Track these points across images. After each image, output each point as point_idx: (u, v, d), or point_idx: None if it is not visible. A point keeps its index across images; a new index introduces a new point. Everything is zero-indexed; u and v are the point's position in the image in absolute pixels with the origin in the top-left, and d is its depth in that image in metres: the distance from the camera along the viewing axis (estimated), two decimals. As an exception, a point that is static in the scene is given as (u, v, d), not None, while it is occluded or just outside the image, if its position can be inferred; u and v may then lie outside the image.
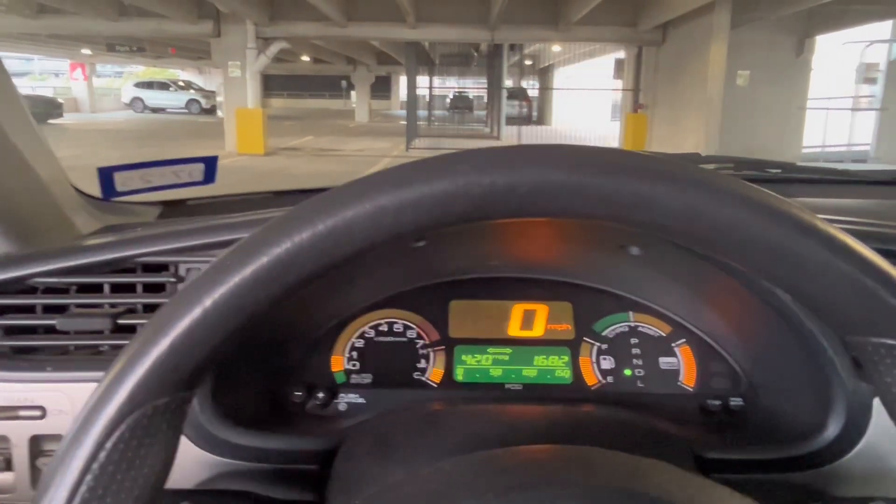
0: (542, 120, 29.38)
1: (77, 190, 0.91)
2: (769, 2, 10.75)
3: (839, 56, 16.09)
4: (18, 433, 0.64)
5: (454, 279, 0.80)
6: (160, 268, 0.69)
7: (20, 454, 0.64)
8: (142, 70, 33.44)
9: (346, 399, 0.74)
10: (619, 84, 29.90)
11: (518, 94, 23.59)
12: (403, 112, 18.78)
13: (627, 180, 0.34)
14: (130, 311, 0.68)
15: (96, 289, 0.69)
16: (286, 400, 0.73)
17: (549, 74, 30.85)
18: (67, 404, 0.64)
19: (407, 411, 0.64)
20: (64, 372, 0.64)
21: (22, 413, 0.63)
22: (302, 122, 25.29)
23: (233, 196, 1.16)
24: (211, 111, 27.92)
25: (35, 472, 0.65)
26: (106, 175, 0.93)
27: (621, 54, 23.68)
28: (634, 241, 0.74)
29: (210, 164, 1.03)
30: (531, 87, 29.35)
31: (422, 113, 24.17)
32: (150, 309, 0.68)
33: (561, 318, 0.79)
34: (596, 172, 0.34)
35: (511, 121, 20.26)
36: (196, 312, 0.34)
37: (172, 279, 0.69)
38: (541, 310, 0.79)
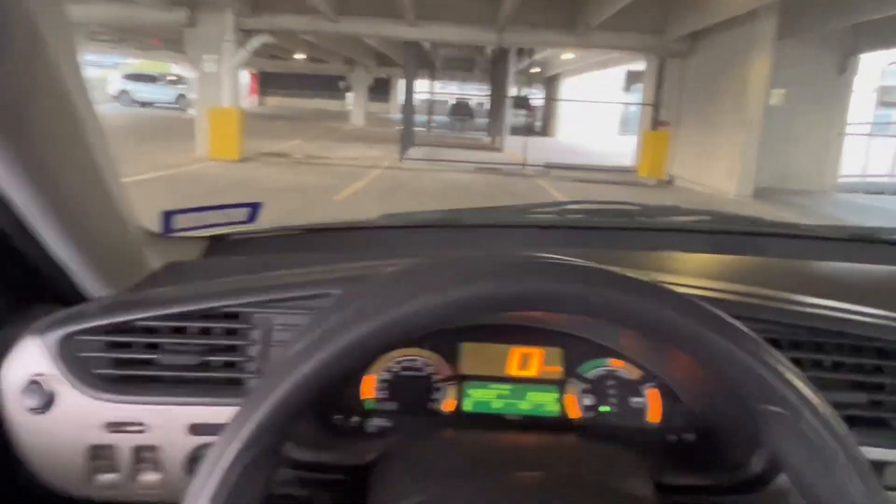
0: (545, 131, 28.10)
1: (142, 226, 1.00)
2: (820, 11, 9.34)
3: (878, 77, 14.76)
4: (124, 443, 0.80)
5: (466, 325, 0.89)
6: (236, 315, 0.83)
7: (124, 460, 0.80)
8: (139, 62, 32.01)
9: (375, 422, 0.85)
10: (632, 97, 28.97)
11: (523, 103, 22.24)
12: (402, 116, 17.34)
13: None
14: (212, 349, 0.83)
15: (184, 329, 0.83)
16: (328, 422, 0.84)
17: (554, 84, 29.59)
18: (162, 422, 0.79)
19: (428, 437, 0.77)
20: (160, 397, 0.80)
21: (128, 427, 0.79)
22: (294, 124, 24.04)
23: (270, 232, 1.27)
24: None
25: (135, 474, 0.81)
26: (167, 216, 1.09)
27: (635, 66, 22.69)
28: None
29: (255, 207, 1.19)
30: (537, 96, 28.04)
31: (421, 118, 23.31)
32: (227, 349, 0.83)
33: (553, 360, 0.88)
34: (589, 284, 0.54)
35: (514, 131, 18.88)
36: (306, 370, 0.52)
37: (246, 325, 0.83)
38: (536, 353, 0.88)
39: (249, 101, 37.52)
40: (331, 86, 36.05)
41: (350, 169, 11.88)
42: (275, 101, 38.58)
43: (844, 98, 11.75)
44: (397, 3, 10.69)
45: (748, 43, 9.73)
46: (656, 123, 13.20)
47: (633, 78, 28.79)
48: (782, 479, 0.68)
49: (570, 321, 0.87)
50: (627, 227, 1.38)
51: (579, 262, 0.56)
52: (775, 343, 0.68)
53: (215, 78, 11.72)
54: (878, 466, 0.79)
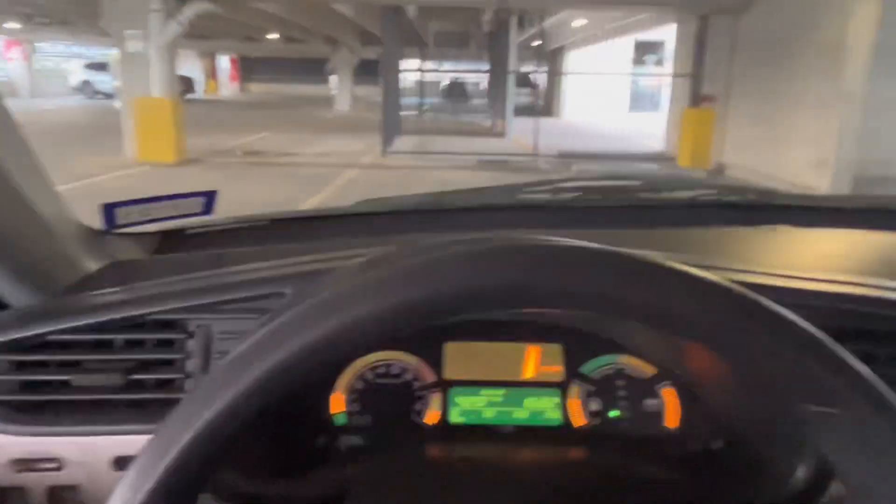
0: (549, 111, 25.68)
1: (79, 223, 0.89)
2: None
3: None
4: (37, 484, 0.68)
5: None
6: (170, 323, 0.72)
7: None
8: (113, 52, 30.11)
9: (347, 441, 0.75)
10: (645, 70, 26.80)
11: (527, 80, 19.82)
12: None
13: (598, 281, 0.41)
14: (142, 365, 0.71)
15: (108, 343, 0.71)
16: (287, 444, 0.73)
17: (558, 59, 27.13)
18: (82, 456, 0.67)
19: (409, 456, 0.69)
20: (79, 426, 0.68)
21: (40, 465, 0.67)
22: (271, 112, 21.85)
23: (230, 224, 1.15)
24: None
25: None
26: (108, 209, 0.95)
27: (651, 34, 20.50)
28: None
29: (209, 197, 1.05)
30: (542, 71, 25.69)
31: (412, 101, 21.12)
32: (160, 363, 0.71)
33: (552, 359, 0.80)
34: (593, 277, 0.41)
35: (517, 111, 16.43)
36: (227, 399, 0.41)
37: (182, 335, 0.71)
38: (533, 351, 0.80)
39: (230, 88, 36.14)
40: (315, 70, 34.80)
41: (319, 170, 9.40)
42: (257, 88, 37.91)
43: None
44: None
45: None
46: (699, 99, 10.66)
47: (643, 49, 26.86)
48: (834, 491, 0.59)
49: (569, 313, 0.75)
50: (629, 204, 1.24)
51: (564, 242, 0.45)
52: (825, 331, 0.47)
53: (142, 59, 9.19)
54: None
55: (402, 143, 12.33)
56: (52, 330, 0.69)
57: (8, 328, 0.69)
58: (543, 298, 0.42)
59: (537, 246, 0.44)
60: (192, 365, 0.70)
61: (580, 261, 0.42)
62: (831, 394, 0.42)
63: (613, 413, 0.78)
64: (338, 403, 0.77)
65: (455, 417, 0.78)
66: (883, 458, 0.41)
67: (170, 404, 0.67)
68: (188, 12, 9.14)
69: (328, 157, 10.83)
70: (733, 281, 0.46)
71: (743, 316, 0.42)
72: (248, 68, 37.18)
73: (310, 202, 7.10)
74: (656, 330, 0.44)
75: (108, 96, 24.92)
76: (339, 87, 26.72)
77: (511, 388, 0.79)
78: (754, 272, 0.73)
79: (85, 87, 26.98)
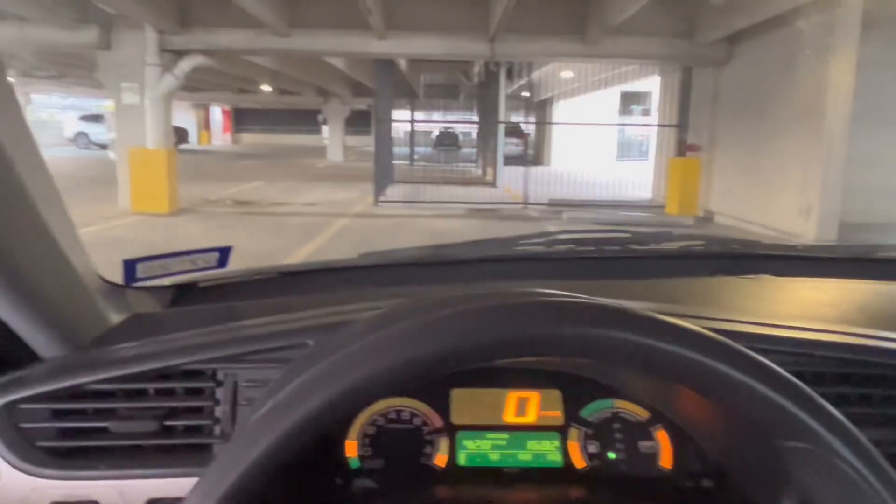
0: (538, 160, 25.98)
1: (101, 277, 0.92)
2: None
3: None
4: None
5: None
6: (199, 373, 0.75)
7: None
8: (107, 103, 30.37)
9: (361, 484, 0.78)
10: (630, 120, 27.26)
11: (516, 130, 20.06)
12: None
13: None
14: (173, 412, 0.74)
15: (141, 391, 0.75)
16: (304, 487, 0.74)
17: (546, 109, 27.56)
18: (118, 498, 0.70)
19: (420, 497, 0.73)
20: (115, 470, 0.71)
21: None
22: (263, 162, 21.99)
23: (241, 277, 1.20)
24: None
25: None
26: (129, 265, 1.00)
27: (636, 85, 20.91)
28: None
29: (224, 252, 1.11)
30: (531, 121, 26.04)
31: (403, 151, 21.29)
32: (190, 412, 0.74)
33: (551, 404, 0.82)
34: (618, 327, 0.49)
35: (508, 161, 16.62)
36: (261, 449, 0.46)
37: (211, 383, 0.74)
38: (533, 397, 0.82)
39: (223, 139, 36.46)
40: (307, 120, 35.21)
41: (310, 219, 9.45)
42: (249, 139, 38.03)
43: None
44: (363, 9, 8.35)
45: (819, 39, 7.42)
46: (685, 147, 10.87)
47: (629, 100, 27.42)
48: None
49: (567, 361, 0.80)
50: (620, 256, 1.31)
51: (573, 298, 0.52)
52: (798, 376, 0.53)
53: (137, 111, 9.31)
54: None
55: (394, 191, 12.44)
56: (91, 381, 0.72)
57: (47, 379, 0.72)
58: (569, 348, 0.48)
59: (564, 302, 0.50)
60: (220, 411, 0.74)
61: (601, 316, 0.49)
62: (801, 431, 0.47)
63: (611, 455, 0.80)
64: (351, 448, 0.80)
65: (463, 460, 0.81)
66: (854, 489, 0.46)
67: (200, 448, 0.72)
68: (184, 66, 9.31)
69: (320, 207, 10.90)
70: (717, 330, 0.52)
71: (719, 358, 0.48)
72: (240, 119, 37.53)
73: (302, 251, 7.12)
74: (650, 375, 0.50)
75: (103, 147, 25.02)
76: (330, 136, 26.93)
77: (514, 431, 0.81)
78: (737, 321, 0.78)
79: (79, 139, 27.12)
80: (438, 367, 0.48)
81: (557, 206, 11.08)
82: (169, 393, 0.75)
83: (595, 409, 0.82)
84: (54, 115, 30.54)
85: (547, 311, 0.49)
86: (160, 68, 9.24)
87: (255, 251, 6.60)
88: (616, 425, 0.81)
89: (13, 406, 0.71)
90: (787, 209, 8.14)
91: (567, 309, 0.49)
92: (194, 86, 22.92)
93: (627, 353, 0.48)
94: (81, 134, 27.26)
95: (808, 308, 1.00)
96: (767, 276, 1.15)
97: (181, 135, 26.06)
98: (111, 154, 12.44)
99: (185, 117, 30.29)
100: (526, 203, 11.47)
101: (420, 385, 0.80)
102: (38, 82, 22.25)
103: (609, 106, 24.68)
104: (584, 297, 0.51)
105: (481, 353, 0.48)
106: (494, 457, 0.81)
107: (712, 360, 0.48)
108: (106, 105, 27.93)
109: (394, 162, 15.14)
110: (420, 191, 12.34)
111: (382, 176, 12.16)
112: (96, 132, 26.26)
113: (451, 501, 0.73)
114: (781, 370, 0.49)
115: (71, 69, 17.59)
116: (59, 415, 0.73)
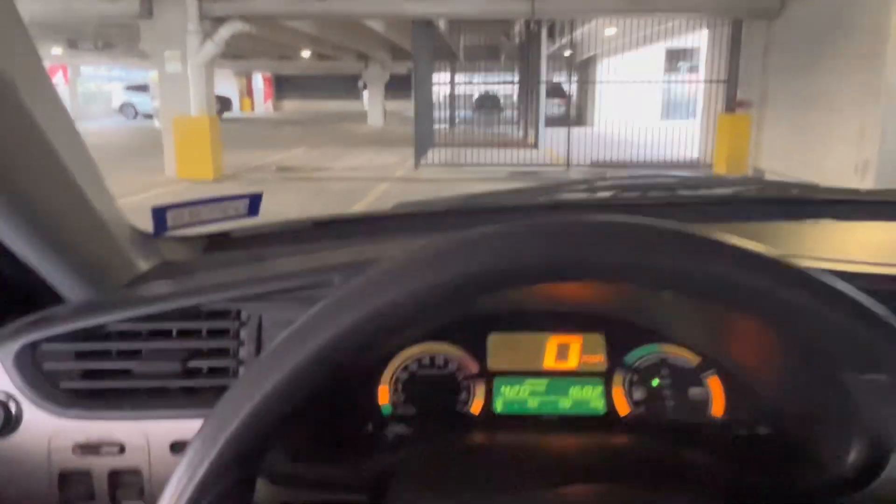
0: (580, 120, 25.50)
1: (132, 226, 0.92)
2: None
3: None
4: (99, 468, 0.69)
5: (492, 312, 0.80)
6: (224, 313, 0.74)
7: (101, 487, 0.70)
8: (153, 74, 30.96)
9: (393, 430, 0.76)
10: (675, 77, 26.49)
11: (558, 90, 19.67)
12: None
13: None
14: (197, 353, 0.73)
15: (165, 332, 0.74)
16: (337, 432, 0.74)
17: (588, 68, 26.94)
18: (142, 440, 0.69)
19: (454, 444, 0.70)
20: (138, 411, 0.70)
21: (102, 449, 0.69)
22: (304, 128, 22.07)
23: (274, 226, 1.20)
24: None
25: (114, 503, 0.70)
26: (159, 213, 0.96)
27: (682, 41, 20.24)
28: None
29: (255, 200, 1.07)
30: (573, 81, 25.54)
31: (444, 114, 21.16)
32: (214, 352, 0.74)
33: (594, 349, 0.80)
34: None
35: (549, 122, 16.34)
36: (286, 369, 0.43)
37: (235, 323, 0.73)
38: (575, 342, 0.80)
39: (265, 106, 36.72)
40: (348, 86, 35.06)
41: (352, 184, 9.50)
42: (291, 106, 38.12)
43: None
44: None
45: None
46: (734, 104, 10.51)
47: (674, 57, 26.58)
48: (883, 479, 0.58)
49: (611, 301, 0.77)
50: (669, 202, 1.22)
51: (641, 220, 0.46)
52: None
53: (180, 79, 9.42)
54: None
55: (435, 155, 12.38)
56: (113, 320, 0.71)
57: (69, 319, 0.71)
58: (617, 271, 0.44)
59: (611, 223, 0.45)
60: (244, 352, 0.73)
61: (652, 237, 0.45)
62: (879, 360, 0.44)
63: (658, 402, 0.78)
64: (384, 394, 0.78)
65: (500, 407, 0.78)
66: None
67: (224, 390, 0.69)
68: (224, 32, 9.36)
69: (361, 171, 10.95)
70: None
71: (794, 284, 0.44)
72: (281, 86, 37.69)
73: (344, 215, 7.17)
74: (728, 306, 0.46)
75: (149, 117, 25.49)
76: (370, 101, 26.95)
77: (555, 377, 0.79)
78: (801, 257, 0.73)
79: (126, 109, 27.74)
80: (463, 293, 0.44)
81: (600, 167, 10.88)
82: (193, 334, 0.74)
83: (641, 354, 0.79)
84: (101, 87, 31.14)
85: (628, 232, 0.45)
86: (201, 35, 9.31)
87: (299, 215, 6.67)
88: (664, 371, 0.78)
89: (36, 346, 0.70)
90: (841, 166, 7.82)
91: (652, 232, 0.45)
92: (235, 54, 23.08)
93: (710, 283, 0.44)
94: (128, 104, 27.84)
95: (879, 249, 0.94)
96: (826, 221, 1.08)
97: (224, 103, 26.33)
98: (157, 123, 12.63)
99: (227, 85, 30.57)
100: (568, 164, 11.29)
101: (455, 329, 0.77)
102: (84, 55, 22.70)
103: (654, 64, 23.95)
104: (667, 222, 0.47)
105: (539, 273, 0.45)
106: (533, 403, 0.78)
107: (793, 288, 0.44)
108: (151, 75, 28.48)
109: (434, 126, 15.05)
110: (461, 154, 12.25)
111: (423, 140, 12.10)
112: (142, 102, 26.76)
113: (486, 449, 0.71)
114: (863, 295, 0.45)
115: (117, 40, 17.84)
116: (82, 356, 0.72)
